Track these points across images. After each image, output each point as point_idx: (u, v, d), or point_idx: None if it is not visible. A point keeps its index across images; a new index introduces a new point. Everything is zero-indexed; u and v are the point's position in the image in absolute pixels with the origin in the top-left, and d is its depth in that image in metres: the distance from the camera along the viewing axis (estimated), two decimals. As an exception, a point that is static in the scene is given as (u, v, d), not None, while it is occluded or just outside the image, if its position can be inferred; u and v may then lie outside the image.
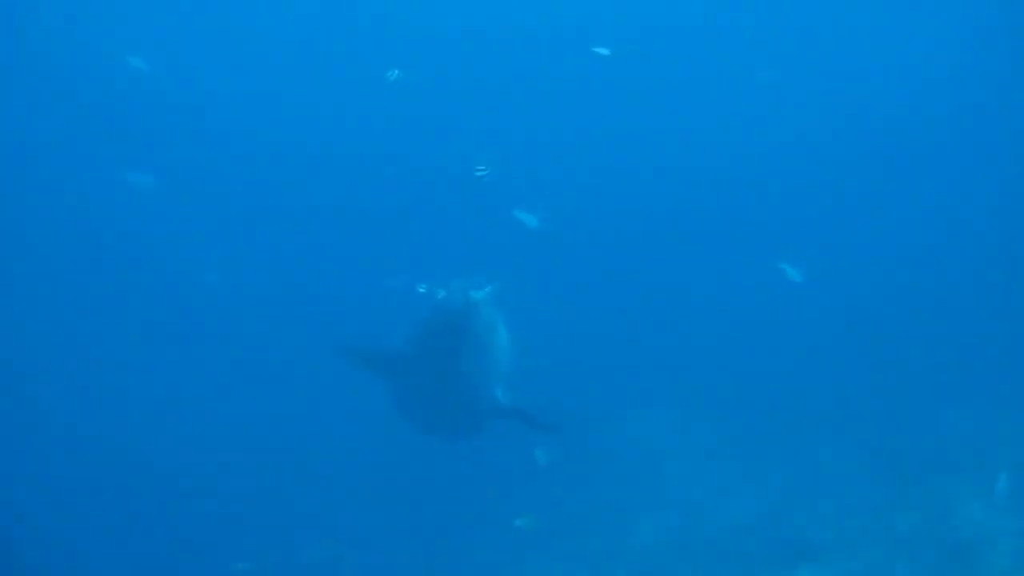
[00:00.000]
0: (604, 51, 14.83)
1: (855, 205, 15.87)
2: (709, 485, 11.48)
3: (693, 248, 15.09)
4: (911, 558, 10.06)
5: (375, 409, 10.60)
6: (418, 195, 16.32)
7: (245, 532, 11.12)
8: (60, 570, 10.81)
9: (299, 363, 12.84)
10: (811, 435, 11.86)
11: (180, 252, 15.28)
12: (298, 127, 17.50)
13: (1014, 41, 17.34)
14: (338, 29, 18.81)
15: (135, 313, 14.46)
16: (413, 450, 10.92)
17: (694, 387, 12.89)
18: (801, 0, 18.42)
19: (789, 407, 12.38)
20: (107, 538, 11.06)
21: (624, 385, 12.74)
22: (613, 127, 17.09)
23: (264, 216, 16.25)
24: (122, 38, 17.09)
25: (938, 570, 9.49)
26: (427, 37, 18.10)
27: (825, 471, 11.33)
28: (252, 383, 13.06)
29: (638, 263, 14.82)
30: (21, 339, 13.63)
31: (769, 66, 17.21)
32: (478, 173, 8.72)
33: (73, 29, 17.78)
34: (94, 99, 16.79)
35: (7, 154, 16.40)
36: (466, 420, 9.56)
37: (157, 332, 14.14)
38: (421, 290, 8.80)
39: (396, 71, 10.70)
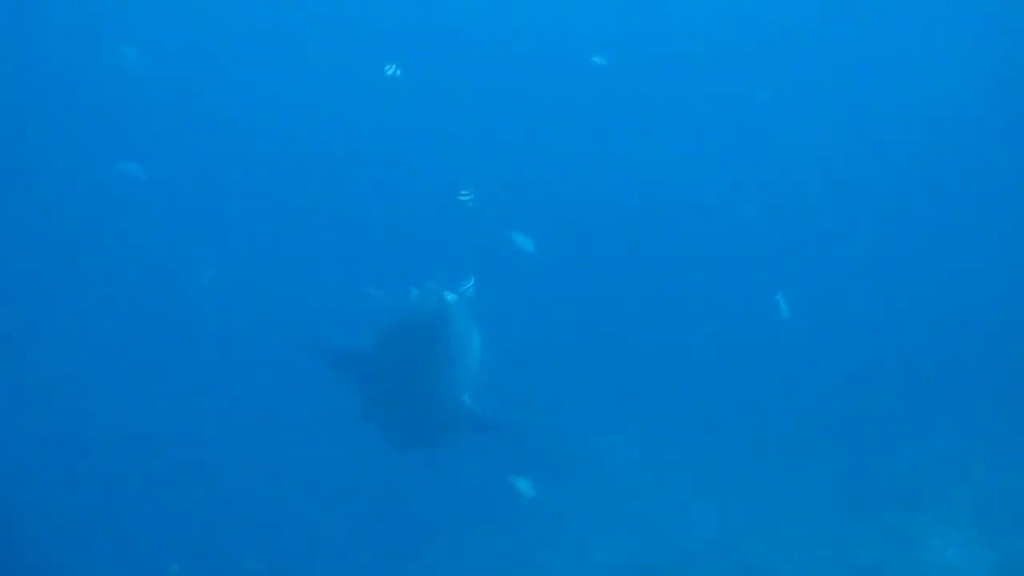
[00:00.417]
0: (601, 60, 14.77)
1: (831, 231, 15.78)
2: (671, 506, 11.41)
3: (671, 268, 15.01)
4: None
5: (343, 413, 10.56)
6: (407, 195, 16.27)
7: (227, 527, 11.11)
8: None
9: (274, 362, 12.77)
10: (777, 462, 11.79)
11: (172, 246, 15.28)
12: (293, 119, 17.45)
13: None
14: (336, 22, 18.80)
15: (121, 306, 14.46)
16: (376, 458, 10.86)
17: (661, 407, 12.79)
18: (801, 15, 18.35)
19: (756, 432, 12.29)
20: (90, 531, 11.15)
21: (591, 401, 12.67)
22: (602, 136, 17.05)
23: (256, 211, 16.24)
24: (116, 27, 17.15)
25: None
26: (426, 34, 18.07)
27: (789, 499, 11.26)
28: (230, 380, 13.05)
29: (614, 279, 14.74)
30: (15, 333, 13.68)
31: (768, 83, 17.10)
32: (463, 198, 8.61)
33: (67, 19, 17.84)
34: (87, 90, 16.83)
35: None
36: (432, 426, 9.45)
37: (143, 326, 14.15)
38: (377, 294, 8.76)
39: (394, 66, 10.54)
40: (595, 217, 15.58)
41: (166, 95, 16.76)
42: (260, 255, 15.16)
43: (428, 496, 11.43)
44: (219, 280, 13.43)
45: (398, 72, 10.51)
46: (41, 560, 10.89)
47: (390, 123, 16.90)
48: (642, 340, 13.75)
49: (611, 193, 16.03)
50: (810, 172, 16.56)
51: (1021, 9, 17.95)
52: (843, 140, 17.03)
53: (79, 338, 13.76)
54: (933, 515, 10.61)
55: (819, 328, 13.07)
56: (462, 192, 8.64)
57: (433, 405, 9.08)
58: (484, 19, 18.83)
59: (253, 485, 11.82)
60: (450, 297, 8.33)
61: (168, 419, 12.51)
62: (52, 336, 13.80)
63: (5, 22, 17.75)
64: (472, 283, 8.24)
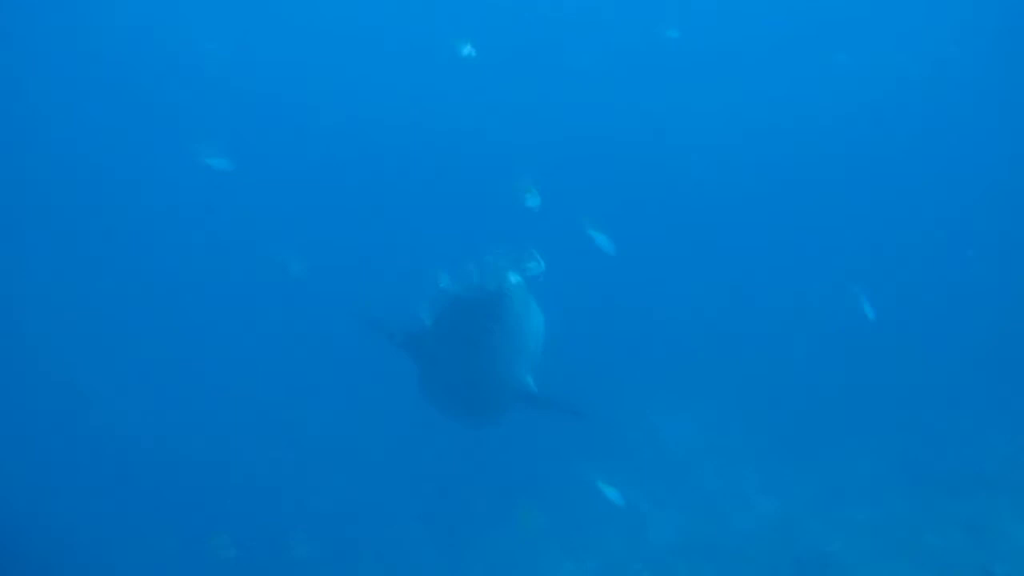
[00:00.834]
0: (674, 34, 14.47)
1: (905, 216, 15.25)
2: (729, 487, 11.29)
3: (734, 253, 14.77)
4: (940, 577, 9.75)
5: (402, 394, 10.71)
6: (475, 179, 16.32)
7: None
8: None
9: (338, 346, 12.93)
10: (840, 445, 11.55)
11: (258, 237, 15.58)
12: (369, 108, 17.74)
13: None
14: (409, 10, 18.97)
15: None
16: (436, 438, 11.05)
17: (722, 388, 12.63)
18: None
19: (822, 415, 12.04)
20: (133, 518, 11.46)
21: (653, 381, 12.58)
22: (676, 120, 16.85)
23: (336, 200, 16.51)
24: (198, 23, 17.70)
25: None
26: (502, 17, 18.11)
27: (853, 482, 11.04)
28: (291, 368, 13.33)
29: (681, 264, 14.56)
30: (89, 327, 14.09)
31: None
32: (528, 203, 8.47)
33: (151, 17, 18.47)
34: (170, 85, 17.41)
35: (87, 143, 16.93)
36: (493, 405, 9.43)
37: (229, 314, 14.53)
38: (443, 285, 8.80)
39: (469, 46, 10.42)
40: (658, 200, 15.42)
41: (245, 88, 17.25)
42: (340, 244, 15.43)
43: (485, 475, 11.50)
44: (307, 270, 13.58)
45: (473, 52, 10.38)
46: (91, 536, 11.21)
47: (466, 107, 17.02)
48: (704, 322, 13.60)
49: (674, 179, 15.87)
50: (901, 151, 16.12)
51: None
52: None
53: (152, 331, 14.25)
54: (1007, 499, 10.30)
55: (888, 311, 12.69)
56: (528, 193, 8.45)
57: (493, 384, 9.10)
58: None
59: (314, 468, 12.13)
60: (512, 277, 8.31)
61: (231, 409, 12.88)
62: (138, 329, 14.30)
63: (92, 25, 18.54)
64: (538, 262, 8.16)
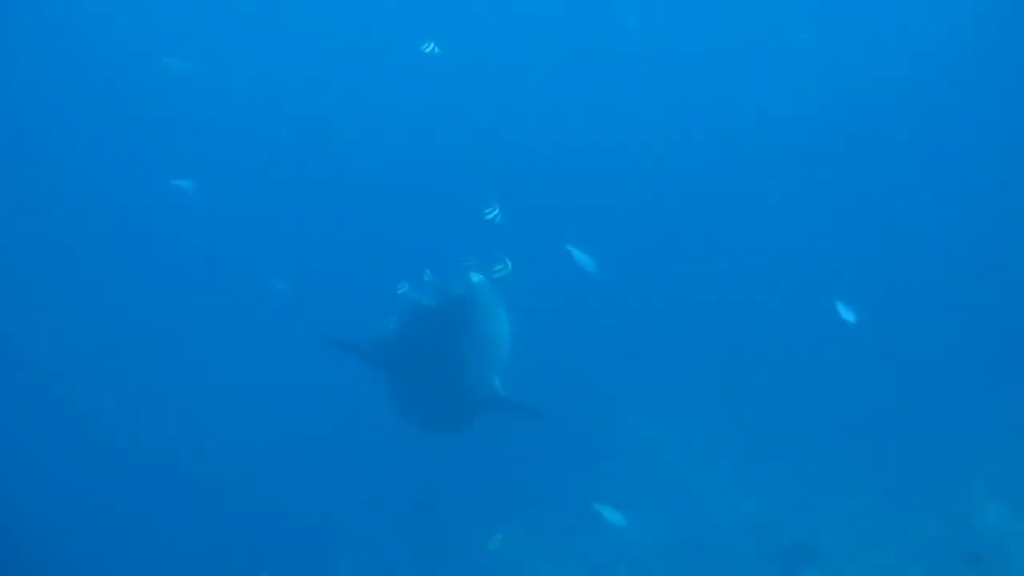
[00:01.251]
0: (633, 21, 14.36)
1: (879, 205, 15.30)
2: (711, 485, 11.13)
3: (704, 248, 14.73)
4: (925, 565, 9.67)
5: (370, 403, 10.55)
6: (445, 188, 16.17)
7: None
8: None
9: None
10: (821, 436, 11.45)
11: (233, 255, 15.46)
12: (334, 120, 17.63)
13: None
14: (370, 16, 18.93)
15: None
16: (411, 446, 10.84)
17: (699, 385, 12.49)
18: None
19: (798, 406, 11.95)
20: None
21: (628, 382, 12.41)
22: (645, 114, 16.86)
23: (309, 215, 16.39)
24: (158, 39, 17.48)
25: (955, 578, 9.10)
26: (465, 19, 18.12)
27: (834, 474, 10.93)
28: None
29: (649, 261, 14.44)
30: (78, 347, 13.95)
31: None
32: (488, 216, 8.39)
33: (111, 31, 18.24)
34: (136, 101, 17.21)
35: (57, 164, 16.75)
36: (460, 410, 9.23)
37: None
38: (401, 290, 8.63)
39: (432, 44, 10.29)
40: (632, 203, 15.34)
41: (212, 102, 17.09)
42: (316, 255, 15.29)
43: (465, 482, 11.30)
44: (290, 288, 13.44)
45: (436, 50, 10.26)
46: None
47: (436, 114, 16.94)
48: (680, 322, 13.47)
49: (645, 174, 15.81)
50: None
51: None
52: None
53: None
54: (984, 485, 10.25)
55: (864, 303, 12.65)
56: (488, 209, 8.35)
57: (460, 389, 8.93)
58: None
59: (292, 475, 12.03)
60: (476, 278, 8.19)
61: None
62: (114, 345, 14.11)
63: (52, 36, 18.26)
64: (506, 266, 8.03)
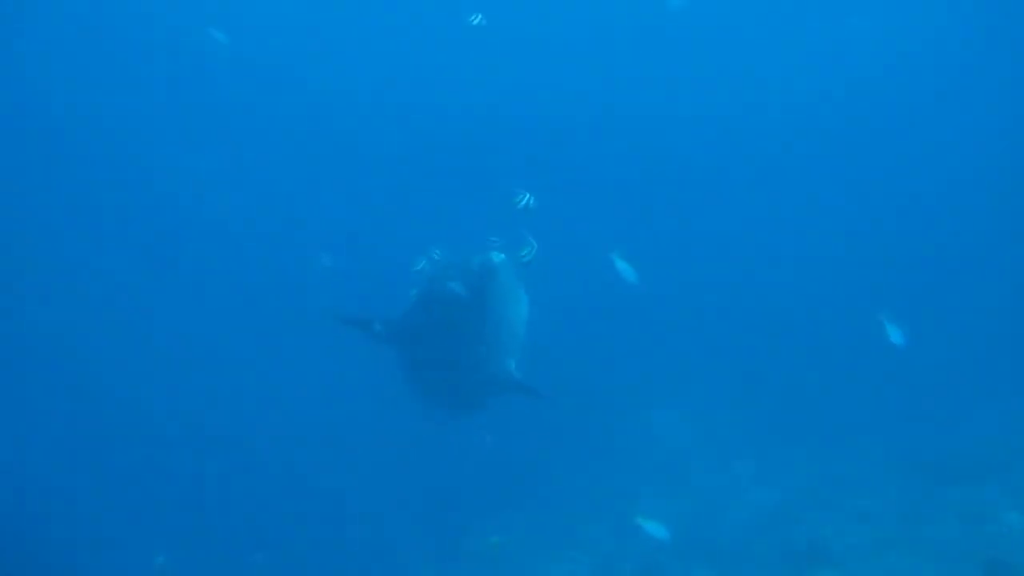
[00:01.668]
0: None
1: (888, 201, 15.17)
2: (726, 480, 11.03)
3: (723, 245, 14.58)
4: (940, 569, 9.49)
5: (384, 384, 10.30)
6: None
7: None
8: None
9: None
10: (835, 436, 11.32)
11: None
12: (381, 100, 17.39)
13: None
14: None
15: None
16: (427, 437, 10.64)
17: (718, 383, 12.41)
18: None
19: (816, 406, 11.82)
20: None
21: (645, 378, 12.27)
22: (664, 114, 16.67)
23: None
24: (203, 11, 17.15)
25: (971, 582, 8.93)
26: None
27: (848, 472, 10.81)
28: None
29: (674, 258, 14.26)
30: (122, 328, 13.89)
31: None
32: (520, 203, 8.18)
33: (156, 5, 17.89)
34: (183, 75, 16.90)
35: (100, 141, 16.66)
36: (473, 390, 9.09)
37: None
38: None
39: (479, 15, 10.02)
40: (656, 201, 15.18)
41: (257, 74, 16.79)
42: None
43: (478, 475, 11.17)
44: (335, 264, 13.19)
45: (483, 21, 10.01)
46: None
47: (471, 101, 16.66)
48: (698, 313, 13.33)
49: (669, 171, 15.65)
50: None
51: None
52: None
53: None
54: (999, 486, 10.07)
55: (888, 304, 12.52)
56: (519, 195, 8.14)
57: (475, 369, 8.70)
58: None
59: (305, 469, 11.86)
60: (498, 257, 7.96)
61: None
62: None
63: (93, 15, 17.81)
64: (532, 248, 7.82)
